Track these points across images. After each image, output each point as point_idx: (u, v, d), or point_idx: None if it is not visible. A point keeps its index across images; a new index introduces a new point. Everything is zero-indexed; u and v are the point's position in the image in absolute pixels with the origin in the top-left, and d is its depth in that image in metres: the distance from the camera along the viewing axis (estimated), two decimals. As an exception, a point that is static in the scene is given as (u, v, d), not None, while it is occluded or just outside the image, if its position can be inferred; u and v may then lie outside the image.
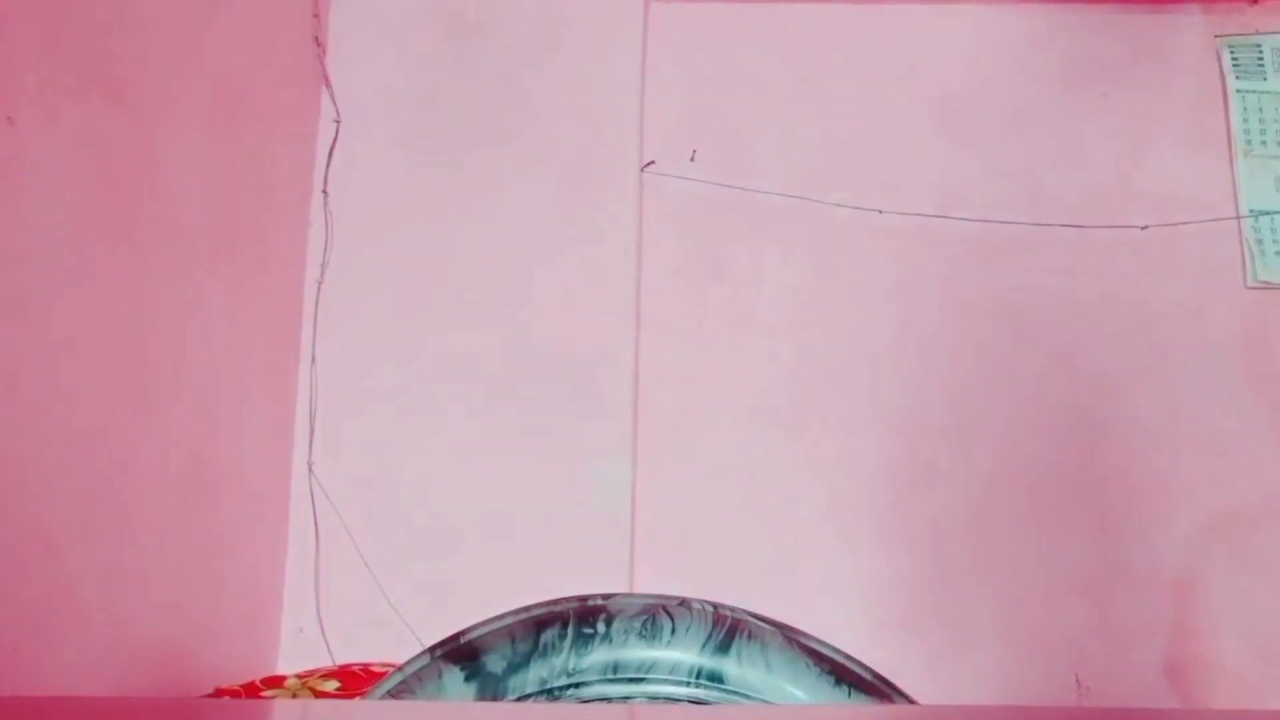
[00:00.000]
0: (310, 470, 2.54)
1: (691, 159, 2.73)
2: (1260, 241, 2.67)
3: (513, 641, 1.09)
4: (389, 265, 2.65)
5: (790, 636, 1.11)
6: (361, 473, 2.55)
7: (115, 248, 1.85)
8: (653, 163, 2.71)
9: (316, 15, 2.68)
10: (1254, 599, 2.52)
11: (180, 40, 2.07)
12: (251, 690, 1.99)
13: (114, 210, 1.85)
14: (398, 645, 2.10)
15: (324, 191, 2.66)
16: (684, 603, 1.12)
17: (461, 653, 1.09)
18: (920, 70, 2.82)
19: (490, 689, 1.07)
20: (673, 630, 1.10)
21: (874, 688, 1.09)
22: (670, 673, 1.09)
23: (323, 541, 2.50)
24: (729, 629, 1.11)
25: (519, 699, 1.07)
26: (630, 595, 1.14)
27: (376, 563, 2.48)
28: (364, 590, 2.46)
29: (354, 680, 2.00)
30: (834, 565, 2.57)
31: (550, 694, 1.07)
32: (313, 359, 2.58)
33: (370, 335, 2.61)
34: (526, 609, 1.11)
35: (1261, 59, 2.78)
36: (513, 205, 2.66)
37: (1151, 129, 2.76)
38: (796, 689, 1.09)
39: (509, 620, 1.10)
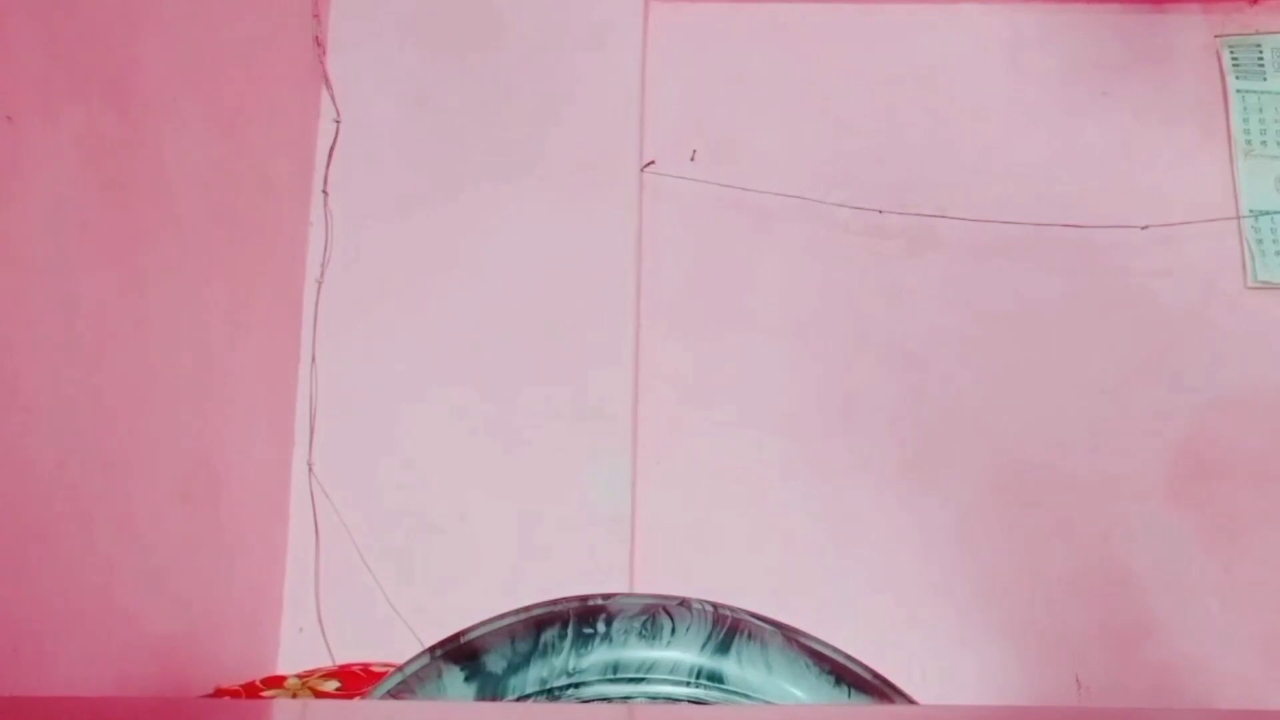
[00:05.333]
0: (310, 470, 2.54)
1: (691, 159, 2.73)
2: (1260, 241, 2.67)
3: (513, 641, 1.09)
4: (389, 265, 2.65)
5: (790, 636, 1.11)
6: (361, 473, 2.55)
7: (115, 248, 1.85)
8: (653, 163, 2.71)
9: (316, 15, 2.68)
10: (1254, 599, 2.52)
11: (180, 40, 2.06)
12: (251, 690, 1.99)
13: (114, 210, 1.85)
14: (398, 645, 2.10)
15: (324, 191, 2.66)
16: (684, 603, 1.11)
17: (461, 653, 1.09)
18: (921, 70, 2.82)
19: (490, 689, 1.07)
20: (673, 630, 1.10)
21: (874, 688, 1.09)
22: (670, 673, 1.09)
23: (323, 541, 2.50)
24: (729, 629, 1.11)
25: (519, 699, 1.07)
26: (630, 595, 1.14)
27: (376, 563, 2.48)
28: (364, 590, 2.46)
29: (354, 680, 2.00)
30: (834, 565, 2.58)
31: (550, 694, 1.07)
32: (313, 359, 2.58)
33: (370, 335, 2.61)
34: (526, 609, 1.11)
35: (1261, 59, 2.78)
36: (512, 205, 2.66)
37: (1151, 129, 2.76)
38: (796, 689, 1.09)
39: (509, 620, 1.10)
